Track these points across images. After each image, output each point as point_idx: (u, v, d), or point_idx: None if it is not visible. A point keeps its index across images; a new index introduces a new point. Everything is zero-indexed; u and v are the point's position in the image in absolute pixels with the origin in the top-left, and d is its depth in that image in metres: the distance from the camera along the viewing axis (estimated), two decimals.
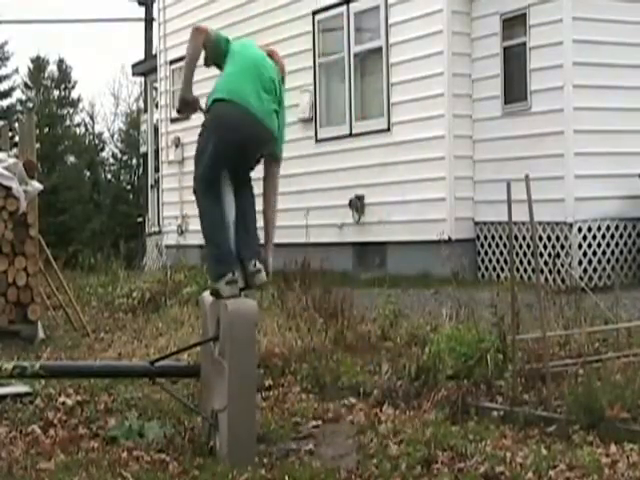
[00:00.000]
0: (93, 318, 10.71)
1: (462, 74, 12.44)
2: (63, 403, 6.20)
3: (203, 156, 5.49)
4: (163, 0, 19.23)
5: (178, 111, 5.81)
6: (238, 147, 5.42)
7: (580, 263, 11.04)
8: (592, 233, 11.17)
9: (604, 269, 11.14)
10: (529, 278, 10.84)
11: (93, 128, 39.73)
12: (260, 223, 5.61)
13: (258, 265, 5.40)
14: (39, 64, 38.97)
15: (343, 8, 14.11)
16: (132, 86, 44.24)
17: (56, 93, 39.22)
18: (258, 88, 5.48)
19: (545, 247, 11.20)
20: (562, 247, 11.11)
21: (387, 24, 13.32)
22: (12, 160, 9.32)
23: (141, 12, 28.81)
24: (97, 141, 39.18)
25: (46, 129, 36.42)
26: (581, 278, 10.49)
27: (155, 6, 22.24)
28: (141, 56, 26.34)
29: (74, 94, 39.57)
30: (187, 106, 5.69)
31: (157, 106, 20.70)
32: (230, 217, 5.43)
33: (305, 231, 12.35)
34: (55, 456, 5.02)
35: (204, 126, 5.60)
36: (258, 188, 5.67)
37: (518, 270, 11.20)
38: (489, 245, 12.20)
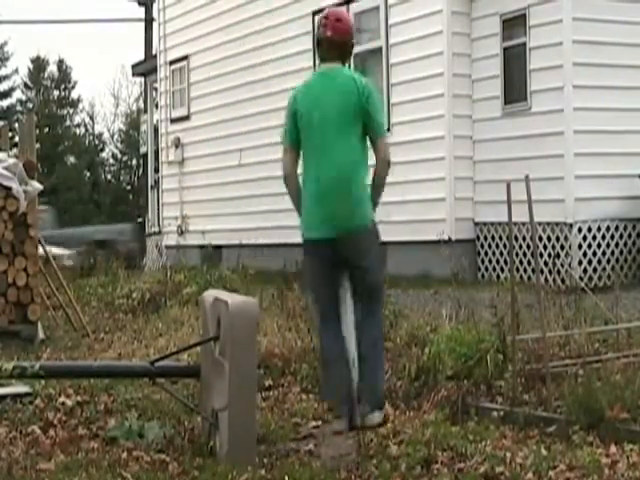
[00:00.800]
0: (93, 318, 10.71)
1: (462, 74, 12.44)
2: (63, 403, 6.20)
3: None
4: (163, 0, 19.22)
5: None
6: None
7: (580, 263, 11.04)
8: (592, 233, 11.16)
9: (604, 269, 11.14)
10: (529, 278, 10.83)
11: (93, 128, 39.81)
12: None
13: (369, 409, 5.08)
14: (39, 64, 39.02)
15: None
16: (132, 86, 44.28)
17: (56, 93, 39.28)
18: None
19: (545, 247, 11.20)
20: (562, 247, 11.11)
21: (387, 24, 13.32)
22: (12, 160, 9.32)
23: (141, 12, 28.84)
24: (97, 141, 39.23)
25: (46, 129, 36.48)
26: (581, 278, 10.49)
27: (155, 6, 22.23)
28: (141, 56, 26.34)
29: (74, 94, 39.69)
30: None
31: (157, 106, 20.69)
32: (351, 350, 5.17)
33: None
34: (55, 456, 5.02)
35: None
36: None
37: (518, 270, 11.19)
38: (489, 245, 12.20)
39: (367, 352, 5.14)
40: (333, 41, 5.42)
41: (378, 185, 5.47)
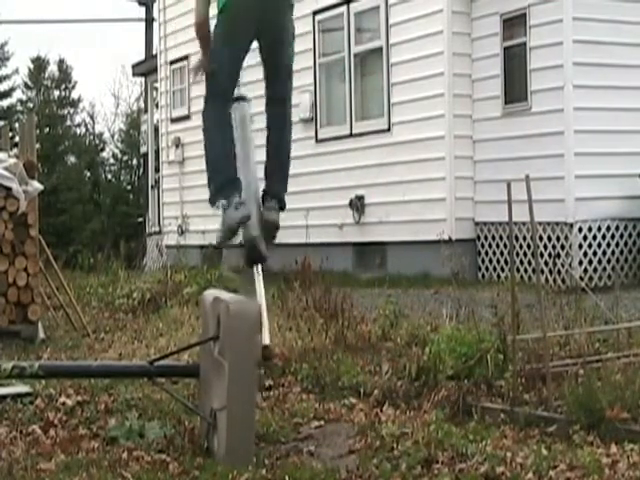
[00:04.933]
0: (93, 318, 10.71)
1: (462, 74, 12.44)
2: (63, 403, 6.19)
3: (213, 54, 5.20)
4: (163, 0, 19.23)
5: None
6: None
7: (580, 263, 11.05)
8: (592, 233, 11.17)
9: (604, 269, 11.14)
10: (529, 278, 10.84)
11: (93, 128, 39.77)
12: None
13: (274, 204, 5.23)
14: (39, 64, 38.99)
15: (343, 8, 14.11)
16: (132, 86, 44.32)
17: (56, 93, 39.25)
18: None
19: (545, 247, 11.20)
20: (562, 247, 11.11)
21: (387, 24, 13.33)
22: (12, 160, 9.32)
23: (141, 12, 28.87)
24: (97, 141, 39.20)
25: (46, 129, 36.45)
26: (581, 278, 10.50)
27: (155, 6, 22.25)
28: (141, 56, 26.35)
29: (74, 94, 39.63)
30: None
31: (157, 106, 20.71)
32: (245, 148, 5.23)
33: (305, 231, 12.36)
34: (55, 456, 5.02)
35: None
36: None
37: (518, 270, 11.20)
38: (489, 245, 12.20)
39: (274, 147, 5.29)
40: None
41: None
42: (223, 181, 5.26)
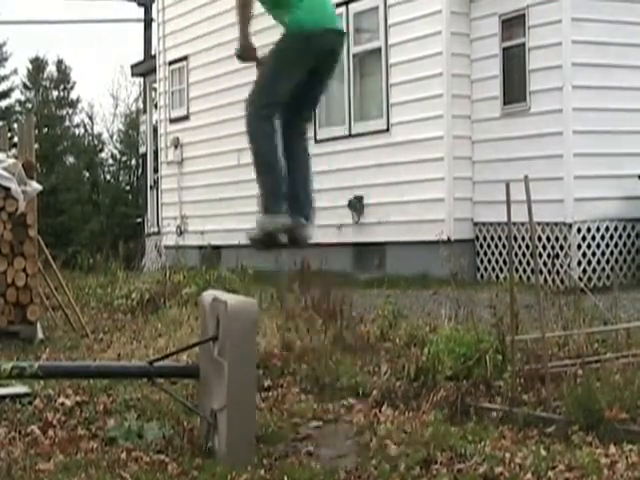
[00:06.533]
0: (92, 319, 10.70)
1: (461, 75, 12.45)
2: (62, 404, 6.19)
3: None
4: (162, 1, 19.23)
5: (238, 57, 5.47)
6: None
7: (579, 264, 11.05)
8: (591, 234, 11.17)
9: (603, 270, 11.15)
10: (528, 279, 10.85)
11: (92, 129, 39.74)
12: None
13: (306, 224, 5.38)
14: (38, 65, 38.97)
15: (342, 9, 14.11)
16: (131, 87, 44.23)
17: (55, 94, 39.23)
18: None
19: (544, 248, 11.20)
20: (561, 248, 11.11)
21: (386, 25, 13.33)
22: (11, 161, 9.31)
23: (140, 13, 28.79)
24: (96, 142, 39.18)
25: (45, 130, 36.43)
26: (580, 279, 10.50)
27: (154, 7, 22.25)
28: (140, 57, 26.32)
29: (73, 95, 39.60)
30: (246, 51, 5.36)
31: (156, 107, 20.71)
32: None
33: None
34: (54, 457, 5.02)
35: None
36: None
37: (517, 271, 11.20)
38: (488, 246, 12.20)
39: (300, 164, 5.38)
40: None
41: None
42: (276, 189, 5.32)
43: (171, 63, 18.75)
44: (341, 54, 5.53)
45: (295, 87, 5.29)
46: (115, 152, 38.16)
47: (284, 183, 5.32)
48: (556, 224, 11.18)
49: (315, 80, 5.39)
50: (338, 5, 14.21)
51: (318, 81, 5.45)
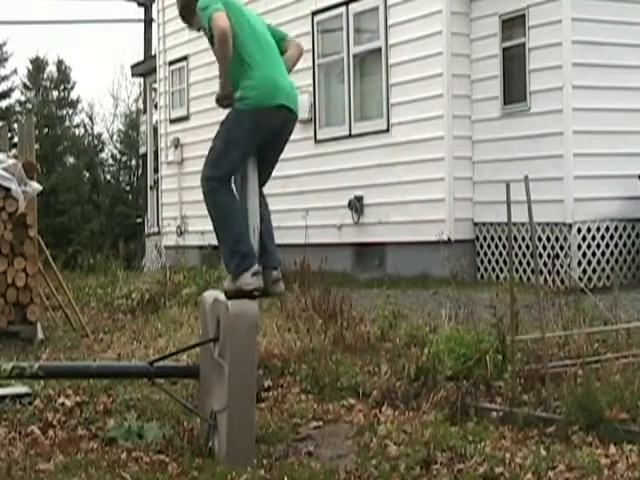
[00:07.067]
0: (92, 319, 10.71)
1: (461, 75, 12.44)
2: (62, 404, 6.20)
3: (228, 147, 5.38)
4: (162, 1, 19.22)
5: (218, 102, 5.54)
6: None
7: (579, 264, 11.05)
8: (591, 234, 11.17)
9: (603, 270, 11.14)
10: (528, 279, 10.84)
11: (92, 129, 39.73)
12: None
13: (279, 275, 5.41)
14: (38, 65, 38.95)
15: (342, 9, 14.11)
16: (131, 87, 44.25)
17: (55, 94, 39.21)
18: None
19: (544, 248, 11.20)
20: (561, 248, 11.11)
21: (386, 25, 13.33)
22: (11, 161, 9.32)
23: (140, 13, 28.88)
24: (96, 142, 39.16)
25: (45, 130, 36.42)
26: (580, 279, 10.50)
27: (154, 7, 22.25)
28: (140, 57, 26.35)
29: (73, 95, 39.58)
30: (226, 99, 5.44)
31: (156, 107, 20.70)
32: (256, 221, 5.36)
33: (304, 232, 12.36)
34: (54, 457, 5.03)
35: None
36: None
37: (517, 271, 11.20)
38: (488, 246, 12.20)
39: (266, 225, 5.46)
40: None
41: None
42: (245, 251, 5.32)
43: (171, 63, 18.74)
44: (291, 132, 5.54)
45: (248, 156, 5.38)
46: (115, 152, 38.16)
47: (248, 240, 5.33)
48: (556, 224, 11.18)
49: (267, 151, 5.46)
50: (338, 5, 14.24)
51: (271, 154, 5.51)
